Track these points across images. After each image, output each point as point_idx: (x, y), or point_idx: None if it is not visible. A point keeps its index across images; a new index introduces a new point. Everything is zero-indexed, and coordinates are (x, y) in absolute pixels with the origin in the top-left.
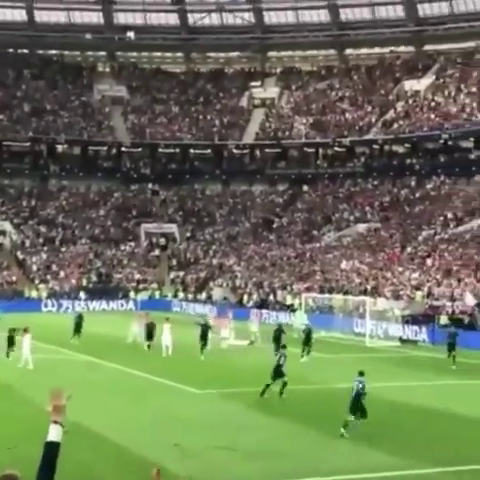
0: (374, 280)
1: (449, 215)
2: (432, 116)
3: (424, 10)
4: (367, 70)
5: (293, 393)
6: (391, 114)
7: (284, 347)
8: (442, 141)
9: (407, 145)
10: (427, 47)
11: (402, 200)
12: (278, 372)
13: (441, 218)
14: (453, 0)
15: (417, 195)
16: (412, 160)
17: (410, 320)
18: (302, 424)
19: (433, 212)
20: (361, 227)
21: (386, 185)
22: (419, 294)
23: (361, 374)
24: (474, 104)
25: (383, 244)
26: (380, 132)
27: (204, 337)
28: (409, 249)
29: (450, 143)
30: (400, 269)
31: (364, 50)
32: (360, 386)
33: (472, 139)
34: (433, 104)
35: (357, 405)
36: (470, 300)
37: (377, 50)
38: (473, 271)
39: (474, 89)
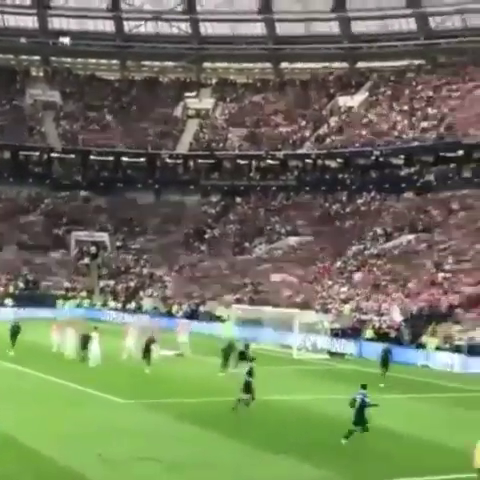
0: (304, 293)
1: (379, 230)
2: (364, 132)
3: (358, 27)
4: (302, 84)
5: (223, 405)
6: (324, 129)
7: (252, 360)
8: (373, 157)
9: (339, 160)
10: (360, 64)
11: (333, 214)
12: (248, 388)
13: (371, 233)
14: (387, 19)
15: (348, 210)
16: (344, 175)
17: (339, 333)
18: (231, 436)
19: (363, 227)
20: (292, 240)
21: (318, 199)
22: (347, 308)
23: (363, 387)
24: (405, 122)
25: (314, 258)
26: (313, 147)
27: (147, 349)
28: (339, 263)
29: (381, 160)
30: (329, 283)
31: (299, 64)
32: (365, 399)
33: (402, 156)
34: (365, 121)
35: (360, 417)
36: (397, 316)
37: (311, 65)
38: (401, 286)
39: (405, 107)
